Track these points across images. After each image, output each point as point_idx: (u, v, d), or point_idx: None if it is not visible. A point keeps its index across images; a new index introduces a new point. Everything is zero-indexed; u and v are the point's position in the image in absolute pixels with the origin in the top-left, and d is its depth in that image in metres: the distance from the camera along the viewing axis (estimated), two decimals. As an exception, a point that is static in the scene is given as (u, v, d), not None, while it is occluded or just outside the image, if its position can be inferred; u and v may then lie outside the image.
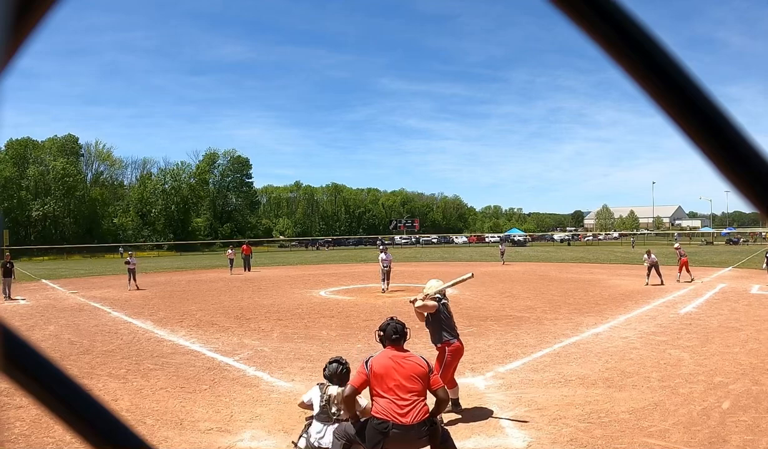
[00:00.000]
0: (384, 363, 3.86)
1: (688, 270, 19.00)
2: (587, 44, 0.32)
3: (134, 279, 19.20)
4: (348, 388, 3.84)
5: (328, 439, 4.11)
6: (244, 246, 29.15)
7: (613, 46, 0.32)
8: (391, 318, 4.17)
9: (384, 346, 4.09)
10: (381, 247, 19.06)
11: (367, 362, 3.91)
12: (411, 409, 3.72)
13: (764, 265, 18.44)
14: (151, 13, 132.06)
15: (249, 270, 27.25)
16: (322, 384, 4.44)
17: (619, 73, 0.32)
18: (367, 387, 3.87)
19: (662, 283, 17.31)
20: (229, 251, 27.94)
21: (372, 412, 3.80)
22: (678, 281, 18.34)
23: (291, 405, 5.81)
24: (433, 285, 5.68)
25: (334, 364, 4.47)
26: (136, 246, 61.79)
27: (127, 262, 19.65)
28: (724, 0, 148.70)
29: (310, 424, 4.36)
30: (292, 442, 4.51)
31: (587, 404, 5.65)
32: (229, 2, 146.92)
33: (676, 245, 22.84)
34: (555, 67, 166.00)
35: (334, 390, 4.30)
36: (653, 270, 17.74)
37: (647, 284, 17.47)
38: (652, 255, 17.88)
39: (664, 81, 0.31)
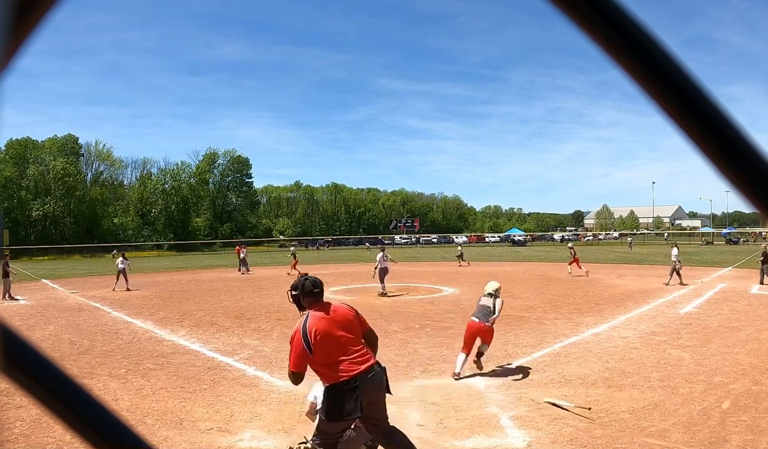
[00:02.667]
0: (322, 326, 3.56)
1: (579, 266, 22.19)
2: (587, 44, 0.32)
3: (126, 280, 19.04)
4: (293, 376, 3.60)
5: None
6: (238, 247, 29.83)
7: (613, 46, 0.32)
8: (305, 276, 3.91)
9: (301, 307, 3.79)
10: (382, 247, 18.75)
11: (305, 335, 3.55)
12: (362, 357, 3.62)
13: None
14: (150, 13, 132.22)
15: (245, 270, 27.81)
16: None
17: (619, 73, 0.32)
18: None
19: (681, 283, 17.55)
20: (242, 254, 28.78)
21: (330, 380, 3.56)
22: (569, 274, 21.93)
23: (291, 405, 5.82)
24: (492, 285, 7.40)
25: None
26: (137, 246, 62.02)
27: (123, 261, 19.56)
28: (724, 0, 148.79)
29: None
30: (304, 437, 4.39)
31: (586, 403, 5.65)
32: (228, 2, 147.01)
33: (570, 244, 26.61)
34: (555, 67, 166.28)
35: None
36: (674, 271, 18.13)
37: (668, 283, 17.69)
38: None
39: (664, 81, 0.31)
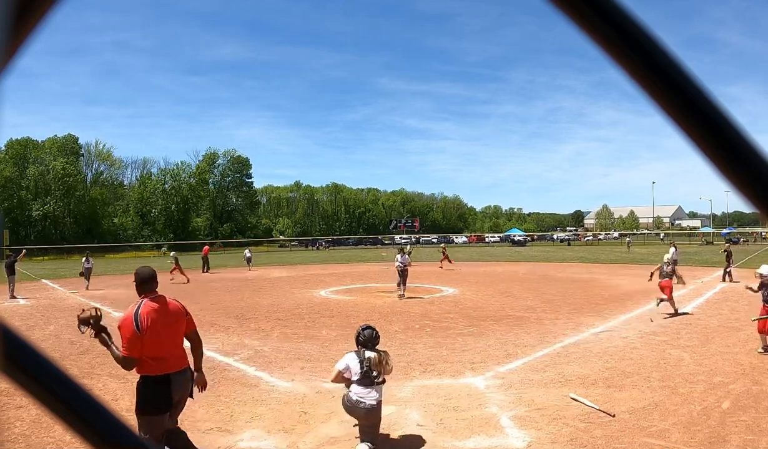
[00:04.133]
0: (153, 317, 3.62)
1: (449, 261, 28.77)
2: (587, 44, 0.32)
3: (87, 280, 19.65)
4: (125, 361, 3.63)
5: (372, 399, 4.52)
6: (206, 246, 30.10)
7: (613, 46, 0.31)
8: (142, 266, 3.99)
9: (140, 295, 3.78)
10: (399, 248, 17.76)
11: (136, 320, 3.56)
12: (180, 355, 3.78)
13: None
14: (149, 12, 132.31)
15: (207, 271, 27.66)
16: (356, 351, 4.72)
17: (619, 73, 0.32)
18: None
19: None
20: (247, 253, 31.03)
21: (146, 371, 3.64)
22: (441, 268, 27.03)
23: (291, 405, 5.82)
24: (666, 257, 11.99)
25: (368, 330, 4.79)
26: (137, 246, 62.01)
27: (87, 261, 20.11)
28: (724, 0, 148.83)
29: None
30: None
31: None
32: (227, 2, 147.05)
33: (442, 244, 31.90)
34: (554, 67, 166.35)
35: (371, 354, 4.66)
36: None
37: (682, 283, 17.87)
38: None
39: (664, 81, 0.31)
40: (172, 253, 26.17)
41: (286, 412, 5.57)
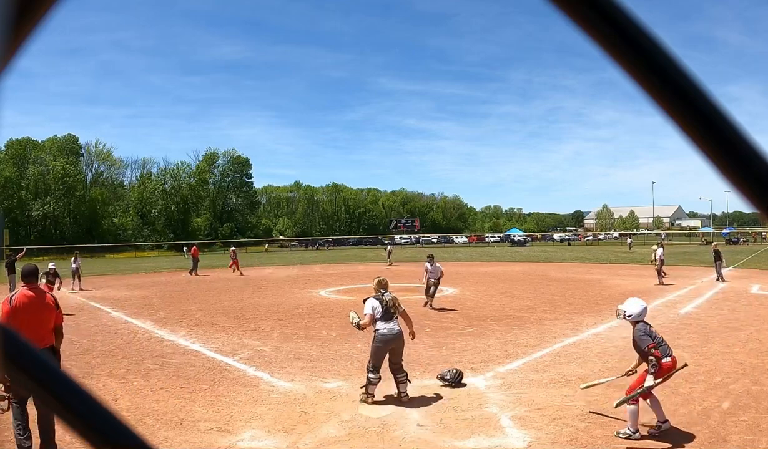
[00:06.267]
0: (22, 301, 4.55)
1: (235, 267, 26.16)
2: (586, 43, 0.32)
3: (79, 280, 19.43)
4: None
5: (397, 327, 5.98)
6: (194, 248, 29.23)
7: (613, 46, 0.31)
8: (27, 264, 5.00)
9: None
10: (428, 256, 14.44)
11: (11, 299, 4.57)
12: (42, 338, 4.51)
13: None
14: (147, 12, 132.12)
15: (195, 272, 26.03)
16: (374, 296, 6.10)
17: (618, 73, 0.32)
18: None
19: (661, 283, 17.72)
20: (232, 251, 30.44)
21: None
22: (234, 272, 25.97)
23: (291, 405, 5.82)
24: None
25: (382, 278, 6.39)
26: (137, 246, 62.03)
27: (75, 261, 19.88)
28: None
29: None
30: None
31: (587, 404, 5.65)
32: (226, 2, 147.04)
33: (232, 248, 30.40)
34: (553, 67, 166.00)
35: (388, 295, 6.12)
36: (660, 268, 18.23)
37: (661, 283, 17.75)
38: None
39: (663, 81, 0.31)
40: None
41: (286, 412, 5.57)
